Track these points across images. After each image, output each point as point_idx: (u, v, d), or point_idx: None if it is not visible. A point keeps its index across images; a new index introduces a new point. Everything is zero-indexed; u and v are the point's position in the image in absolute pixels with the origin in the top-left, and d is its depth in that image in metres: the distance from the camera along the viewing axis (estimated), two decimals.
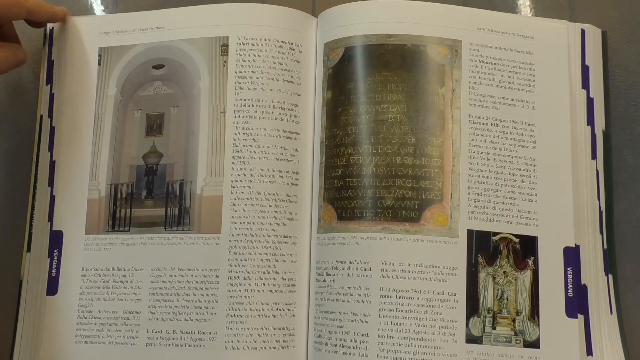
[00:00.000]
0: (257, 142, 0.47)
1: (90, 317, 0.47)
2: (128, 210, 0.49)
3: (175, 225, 0.48)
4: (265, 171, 0.47)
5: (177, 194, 0.48)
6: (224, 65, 0.49)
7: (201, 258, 0.47)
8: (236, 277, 0.46)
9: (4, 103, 0.53)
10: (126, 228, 0.49)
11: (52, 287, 0.48)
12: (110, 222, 0.49)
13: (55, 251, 0.48)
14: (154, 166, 0.49)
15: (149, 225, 0.48)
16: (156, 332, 0.46)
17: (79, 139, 0.50)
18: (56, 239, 0.48)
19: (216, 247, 0.46)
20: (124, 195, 0.49)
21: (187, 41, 0.50)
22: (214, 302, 0.46)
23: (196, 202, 0.48)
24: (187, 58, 0.50)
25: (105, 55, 0.51)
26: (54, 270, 0.48)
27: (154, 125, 0.50)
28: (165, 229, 0.48)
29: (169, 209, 0.48)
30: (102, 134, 0.50)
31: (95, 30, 0.51)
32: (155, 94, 0.50)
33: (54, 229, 0.49)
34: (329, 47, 0.49)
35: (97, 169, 0.49)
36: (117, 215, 0.49)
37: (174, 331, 0.46)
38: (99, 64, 0.51)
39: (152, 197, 0.49)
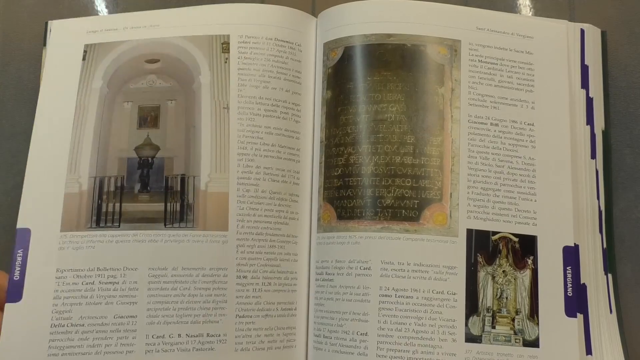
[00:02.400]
0: (262, 140, 0.47)
1: (69, 325, 0.43)
2: (117, 204, 0.46)
3: (176, 221, 0.45)
4: (269, 169, 0.47)
5: (178, 189, 0.46)
6: (226, 62, 0.48)
7: (208, 257, 0.45)
8: (244, 277, 0.45)
9: (4, 103, 0.54)
10: (115, 224, 0.45)
11: (14, 292, 0.43)
12: (94, 218, 0.45)
13: (19, 251, 0.44)
14: (149, 159, 0.47)
15: (145, 221, 0.45)
16: (158, 337, 0.43)
17: (54, 131, 0.47)
18: (22, 238, 0.44)
19: (224, 245, 0.45)
20: (112, 188, 0.46)
21: (183, 38, 0.49)
22: (222, 303, 0.44)
23: (200, 198, 0.46)
24: (183, 53, 0.49)
25: (90, 51, 0.49)
26: (16, 273, 0.43)
27: (148, 118, 0.48)
28: (165, 225, 0.45)
29: (168, 204, 0.46)
30: (84, 125, 0.47)
31: (82, 29, 0.50)
32: (149, 87, 0.49)
33: (18, 226, 0.45)
34: (329, 46, 0.49)
35: (76, 161, 0.46)
36: (104, 210, 0.45)
37: (179, 335, 0.43)
38: (84, 59, 0.49)
39: (148, 191, 0.46)
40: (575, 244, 0.45)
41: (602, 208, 0.48)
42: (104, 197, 0.46)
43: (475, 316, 0.44)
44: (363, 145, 0.46)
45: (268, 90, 0.48)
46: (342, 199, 0.46)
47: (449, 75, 0.47)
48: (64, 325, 0.43)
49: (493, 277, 0.45)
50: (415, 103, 0.46)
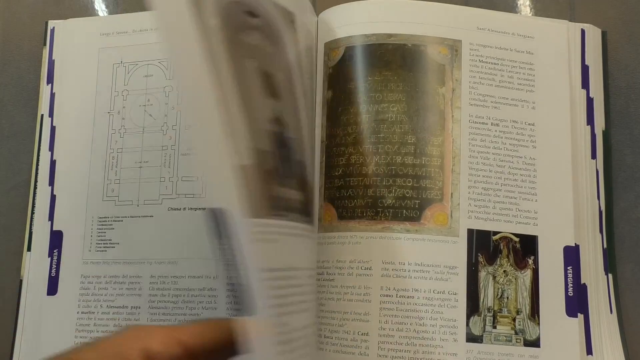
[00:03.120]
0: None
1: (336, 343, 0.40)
2: (281, 188, 0.35)
3: (306, 215, 0.38)
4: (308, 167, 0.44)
5: (306, 177, 0.39)
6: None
7: (313, 258, 0.43)
8: (313, 277, 0.44)
9: (4, 103, 0.53)
10: (283, 212, 0.34)
11: (247, 304, 0.29)
12: (269, 204, 0.33)
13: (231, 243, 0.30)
14: (282, 136, 0.36)
15: (294, 211, 0.36)
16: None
17: (190, 78, 0.29)
18: (220, 221, 0.29)
19: (316, 246, 0.44)
20: (270, 167, 0.34)
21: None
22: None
23: (311, 192, 0.40)
24: (276, 19, 0.38)
25: None
26: (233, 273, 0.30)
27: (270, 87, 0.36)
28: (303, 218, 0.38)
29: (303, 194, 0.38)
30: (219, 73, 0.31)
31: None
32: (260, 46, 0.35)
33: (209, 205, 0.33)
34: (330, 46, 0.49)
35: (229, 124, 0.30)
36: (271, 193, 0.33)
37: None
38: None
39: (292, 176, 0.36)
40: (575, 244, 0.46)
41: (603, 208, 0.48)
42: (267, 177, 0.34)
43: (476, 316, 0.44)
44: (364, 145, 0.46)
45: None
46: (343, 199, 0.46)
47: (449, 75, 0.47)
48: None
49: (494, 277, 0.45)
50: (416, 103, 0.46)
